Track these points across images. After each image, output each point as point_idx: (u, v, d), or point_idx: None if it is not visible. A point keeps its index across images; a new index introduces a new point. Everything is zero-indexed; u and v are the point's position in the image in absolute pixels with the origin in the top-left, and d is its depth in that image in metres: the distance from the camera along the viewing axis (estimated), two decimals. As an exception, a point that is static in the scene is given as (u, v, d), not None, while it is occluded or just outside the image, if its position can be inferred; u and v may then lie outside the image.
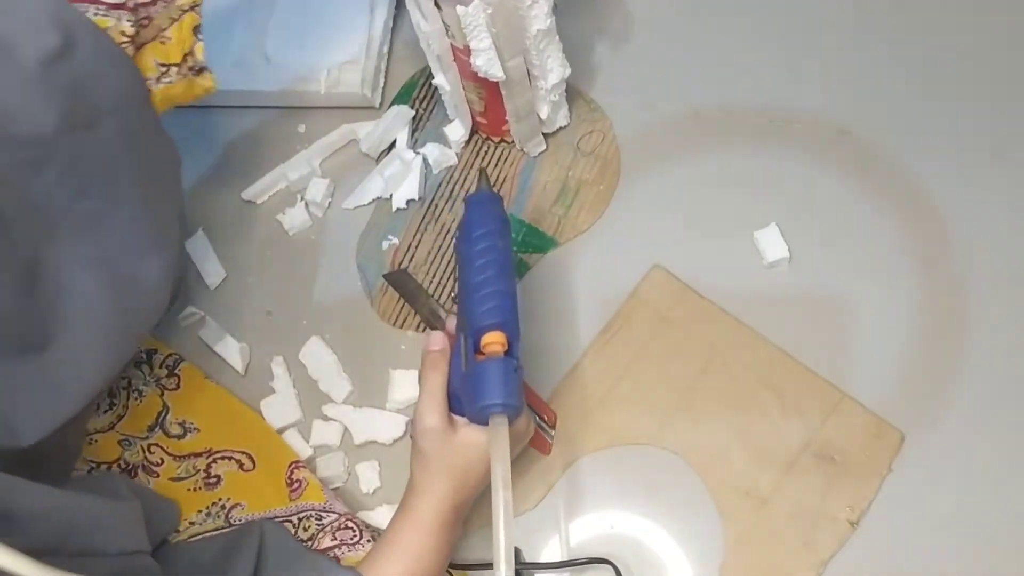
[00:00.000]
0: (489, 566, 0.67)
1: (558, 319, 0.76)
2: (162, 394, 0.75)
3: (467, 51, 0.67)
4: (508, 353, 0.59)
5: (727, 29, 0.84)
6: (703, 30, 0.84)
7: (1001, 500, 0.66)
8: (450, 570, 0.66)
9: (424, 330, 0.77)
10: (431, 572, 0.60)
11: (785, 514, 0.67)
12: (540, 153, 0.81)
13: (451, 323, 0.69)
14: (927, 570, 0.65)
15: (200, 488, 0.71)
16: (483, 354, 0.59)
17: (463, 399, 0.60)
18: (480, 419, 0.58)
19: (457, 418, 0.61)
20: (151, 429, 0.74)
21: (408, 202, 0.81)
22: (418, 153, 0.82)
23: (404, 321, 0.78)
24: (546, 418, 0.72)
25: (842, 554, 0.66)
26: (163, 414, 0.74)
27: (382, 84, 0.86)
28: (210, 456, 0.72)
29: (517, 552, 0.68)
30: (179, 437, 0.73)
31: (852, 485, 0.68)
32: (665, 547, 0.68)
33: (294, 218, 0.82)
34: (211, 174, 0.86)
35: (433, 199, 0.82)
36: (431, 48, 0.72)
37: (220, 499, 0.70)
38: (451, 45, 0.70)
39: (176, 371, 0.76)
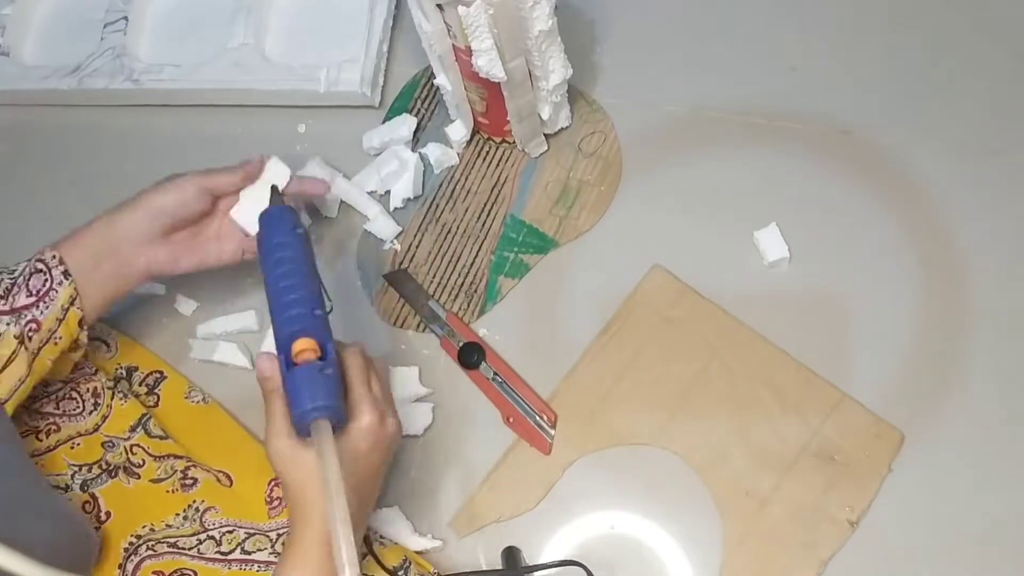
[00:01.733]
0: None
1: (558, 319, 0.76)
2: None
3: (469, 52, 0.67)
4: (323, 357, 0.57)
5: (728, 29, 0.84)
6: (704, 31, 0.84)
7: (1001, 500, 0.66)
8: None
9: (424, 329, 0.77)
10: None
11: (785, 514, 0.68)
12: (542, 154, 0.81)
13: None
14: (927, 570, 0.65)
15: (177, 490, 0.70)
16: (297, 364, 0.57)
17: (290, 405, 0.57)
18: (306, 431, 0.56)
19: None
20: (133, 429, 0.73)
21: (405, 201, 0.81)
22: (415, 152, 0.82)
23: (404, 320, 0.78)
24: (546, 418, 0.72)
25: (842, 554, 0.66)
26: (146, 417, 0.74)
27: (382, 83, 0.86)
28: (189, 460, 0.72)
29: (516, 552, 0.69)
30: (161, 438, 0.73)
31: (852, 485, 0.68)
32: (665, 547, 0.68)
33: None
34: (211, 173, 0.86)
35: (434, 199, 0.82)
36: (433, 48, 0.72)
37: (194, 501, 0.70)
38: (453, 45, 0.70)
39: (156, 390, 0.76)
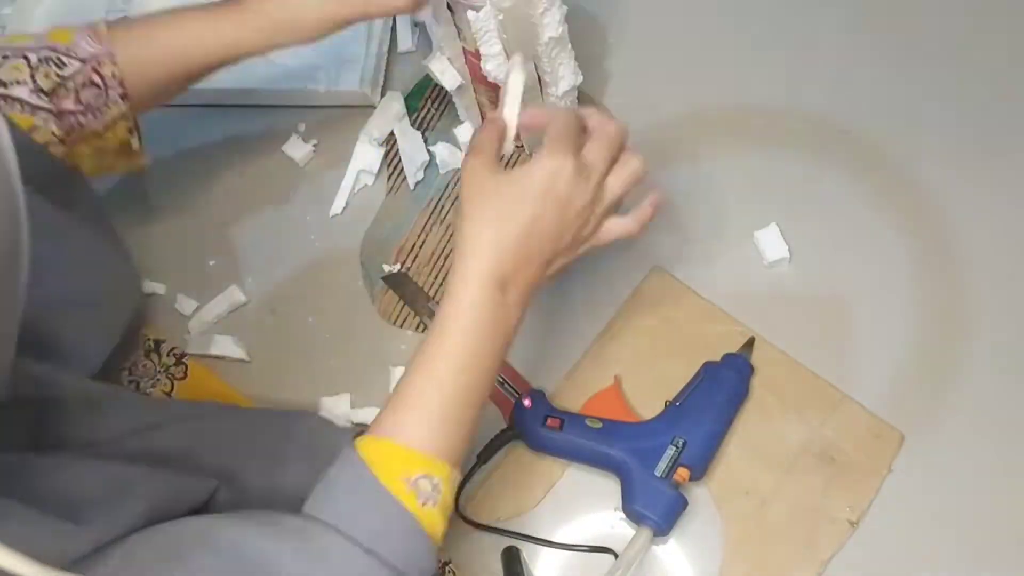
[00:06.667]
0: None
1: (558, 321, 0.76)
2: (171, 387, 0.77)
3: (478, 55, 0.67)
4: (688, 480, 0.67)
5: (730, 33, 0.84)
6: (713, 35, 0.85)
7: (1001, 500, 0.67)
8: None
9: (424, 330, 0.77)
10: (481, 371, 0.56)
11: (785, 514, 0.68)
12: (550, 158, 0.81)
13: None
14: (927, 570, 0.66)
15: None
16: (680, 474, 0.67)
17: (636, 489, 0.66)
18: (631, 512, 0.66)
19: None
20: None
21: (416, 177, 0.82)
22: (380, 146, 0.83)
23: (404, 320, 0.78)
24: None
25: (842, 554, 0.66)
26: (169, 394, 0.77)
27: (382, 83, 0.86)
28: None
29: (515, 552, 0.69)
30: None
31: (852, 485, 0.68)
32: (665, 547, 0.68)
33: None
34: (211, 173, 0.86)
35: (439, 200, 0.81)
36: (443, 50, 0.72)
37: None
38: (462, 48, 0.70)
39: (183, 360, 0.78)
